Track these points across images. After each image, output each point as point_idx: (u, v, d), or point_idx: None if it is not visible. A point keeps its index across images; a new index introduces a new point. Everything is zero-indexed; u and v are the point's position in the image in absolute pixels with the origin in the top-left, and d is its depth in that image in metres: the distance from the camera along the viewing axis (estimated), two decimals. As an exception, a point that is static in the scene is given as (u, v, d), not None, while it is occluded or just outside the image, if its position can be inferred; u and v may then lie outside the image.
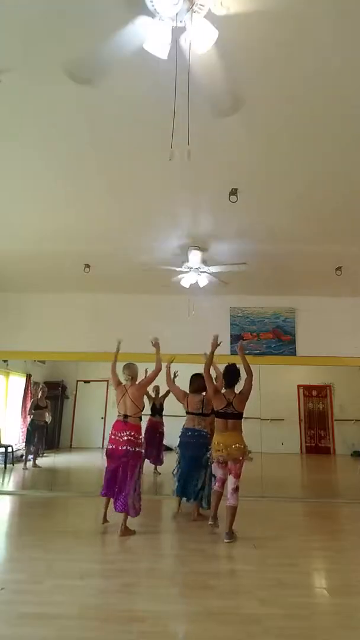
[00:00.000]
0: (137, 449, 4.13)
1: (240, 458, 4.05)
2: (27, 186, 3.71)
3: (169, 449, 6.50)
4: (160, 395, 6.41)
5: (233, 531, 3.93)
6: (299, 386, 8.53)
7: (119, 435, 4.13)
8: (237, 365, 4.26)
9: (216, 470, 4.30)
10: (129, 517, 4.01)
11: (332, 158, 3.18)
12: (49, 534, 4.00)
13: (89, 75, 2.42)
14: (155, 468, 6.55)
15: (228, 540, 3.85)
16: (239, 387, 4.22)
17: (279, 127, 2.85)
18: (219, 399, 4.18)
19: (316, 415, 8.53)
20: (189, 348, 6.13)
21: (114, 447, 4.13)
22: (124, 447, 4.06)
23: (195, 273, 4.98)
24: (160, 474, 6.52)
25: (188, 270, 4.98)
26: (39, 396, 7.31)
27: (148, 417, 6.37)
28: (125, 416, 4.17)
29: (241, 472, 4.07)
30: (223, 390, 4.27)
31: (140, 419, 4.34)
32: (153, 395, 6.42)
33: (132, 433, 4.12)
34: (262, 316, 6.65)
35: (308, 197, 3.75)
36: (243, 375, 4.20)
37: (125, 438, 4.09)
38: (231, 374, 4.22)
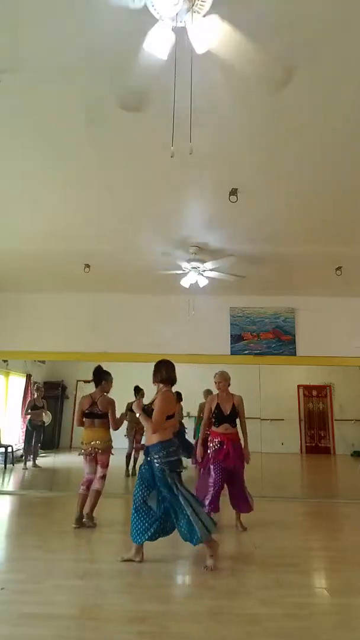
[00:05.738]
0: None
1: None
2: (27, 186, 3.70)
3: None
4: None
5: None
6: (299, 386, 8.54)
7: None
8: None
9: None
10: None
11: (332, 157, 3.17)
12: (49, 534, 4.01)
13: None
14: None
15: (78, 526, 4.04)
16: None
17: (279, 127, 2.85)
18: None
19: (316, 415, 8.55)
20: (189, 348, 6.16)
21: None
22: None
23: (195, 273, 4.98)
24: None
25: (188, 270, 4.98)
26: (35, 396, 7.31)
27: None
28: None
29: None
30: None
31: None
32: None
33: None
34: (262, 316, 6.65)
35: (308, 197, 3.75)
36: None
37: None
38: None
